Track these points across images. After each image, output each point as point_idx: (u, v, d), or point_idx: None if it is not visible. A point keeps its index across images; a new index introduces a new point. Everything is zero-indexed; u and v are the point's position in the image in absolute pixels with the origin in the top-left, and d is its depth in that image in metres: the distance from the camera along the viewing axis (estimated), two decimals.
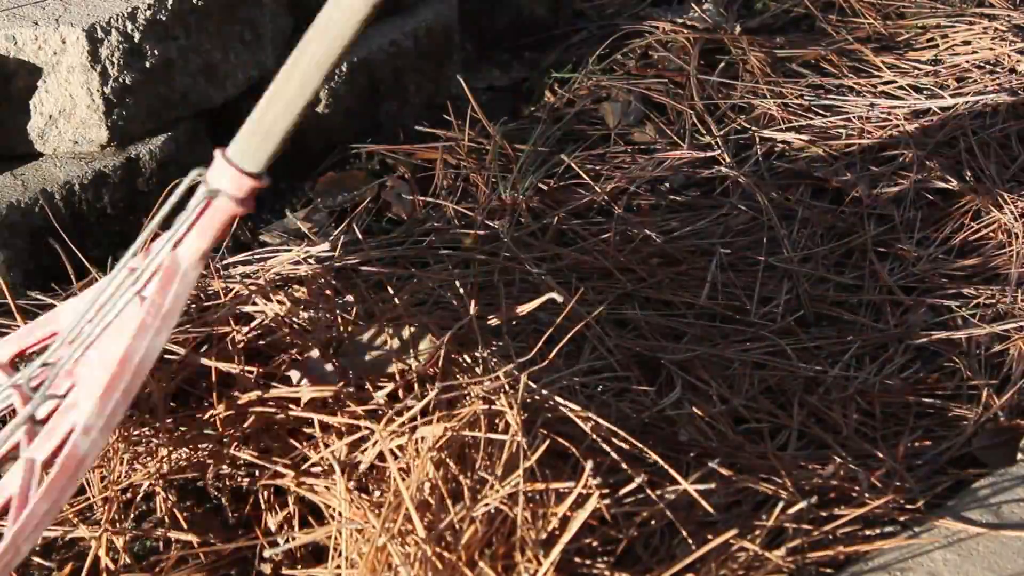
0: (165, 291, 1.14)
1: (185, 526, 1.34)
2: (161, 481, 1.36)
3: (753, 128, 2.13)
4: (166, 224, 1.18)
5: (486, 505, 1.17)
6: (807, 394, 1.54)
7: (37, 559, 1.31)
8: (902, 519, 1.31)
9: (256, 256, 1.65)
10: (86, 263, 1.65)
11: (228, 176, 1.13)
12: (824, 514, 1.29)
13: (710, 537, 1.20)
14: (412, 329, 1.41)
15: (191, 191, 1.16)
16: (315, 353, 1.40)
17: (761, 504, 1.33)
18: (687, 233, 1.86)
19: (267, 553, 1.29)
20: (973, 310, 1.72)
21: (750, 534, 1.24)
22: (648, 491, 1.25)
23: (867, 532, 1.30)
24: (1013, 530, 1.26)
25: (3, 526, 1.14)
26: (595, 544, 1.23)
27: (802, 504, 1.25)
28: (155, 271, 1.16)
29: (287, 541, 1.31)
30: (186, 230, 1.16)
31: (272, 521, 1.35)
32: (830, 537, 1.26)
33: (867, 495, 1.32)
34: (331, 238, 1.71)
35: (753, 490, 1.32)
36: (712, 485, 1.26)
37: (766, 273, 1.78)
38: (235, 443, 1.36)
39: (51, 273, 1.67)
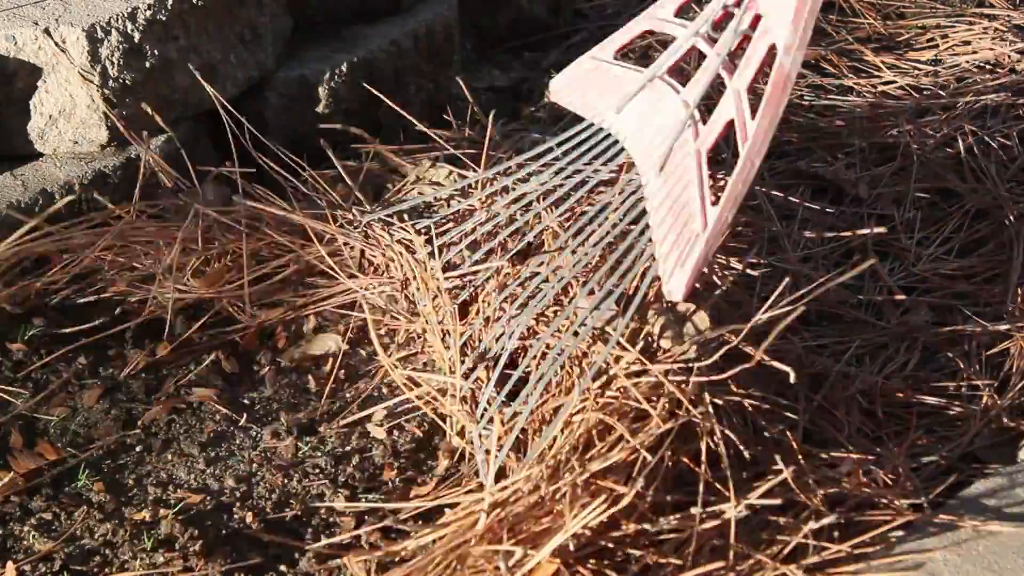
0: None
1: None
2: None
3: None
4: None
5: None
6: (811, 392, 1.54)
7: None
8: (904, 518, 1.31)
9: None
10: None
11: None
12: (843, 521, 1.29)
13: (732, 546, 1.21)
14: None
15: None
16: None
17: (781, 507, 1.31)
18: None
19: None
20: (973, 310, 1.72)
21: (765, 547, 1.24)
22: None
23: (868, 532, 1.30)
24: (1013, 530, 1.26)
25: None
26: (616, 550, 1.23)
27: (829, 519, 1.25)
28: None
29: None
30: None
31: None
32: (847, 551, 1.26)
33: (883, 500, 1.32)
34: None
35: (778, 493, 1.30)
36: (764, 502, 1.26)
37: (765, 272, 1.78)
38: None
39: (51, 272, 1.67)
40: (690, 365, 1.34)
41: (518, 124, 2.12)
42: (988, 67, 2.33)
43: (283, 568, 1.29)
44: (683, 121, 1.36)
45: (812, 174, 2.02)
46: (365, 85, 1.97)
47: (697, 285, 1.39)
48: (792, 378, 1.28)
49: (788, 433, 1.40)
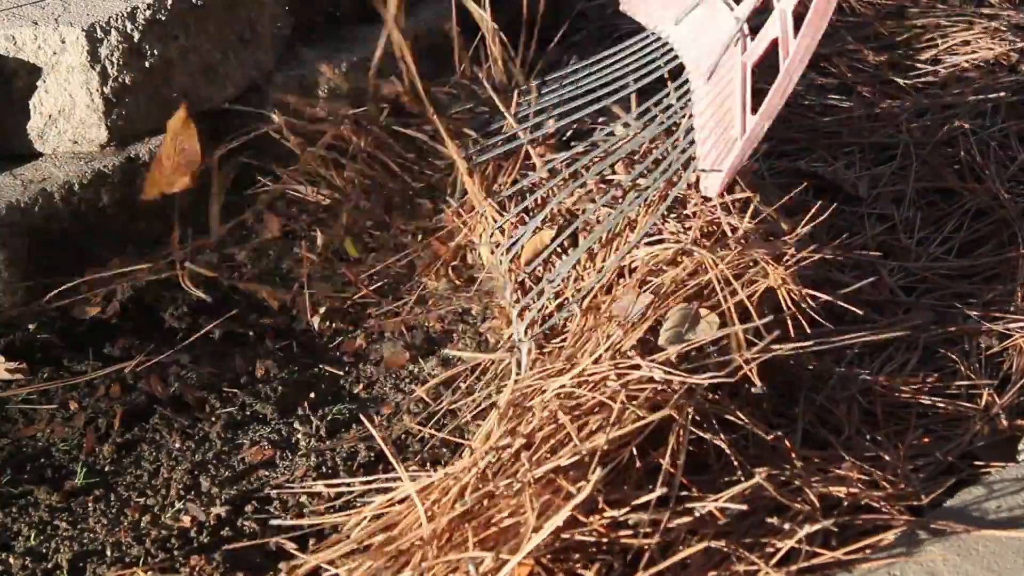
0: None
1: None
2: None
3: None
4: None
5: None
6: (813, 392, 1.54)
7: None
8: (903, 519, 1.31)
9: None
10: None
11: None
12: (835, 527, 1.29)
13: (723, 547, 1.21)
14: None
15: None
16: None
17: (776, 510, 1.31)
18: None
19: None
20: (973, 310, 1.72)
21: (759, 551, 1.24)
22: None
23: (869, 532, 1.30)
24: (1013, 530, 1.26)
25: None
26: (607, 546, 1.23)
27: (823, 524, 1.25)
28: None
29: None
30: None
31: None
32: (840, 557, 1.26)
33: (878, 504, 1.32)
34: None
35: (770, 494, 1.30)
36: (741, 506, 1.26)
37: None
38: None
39: (51, 273, 1.67)
40: (687, 366, 1.34)
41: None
42: (988, 67, 2.33)
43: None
44: (732, 35, 1.49)
45: (812, 174, 2.02)
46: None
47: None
48: (757, 388, 1.29)
49: (786, 438, 1.40)
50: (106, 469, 1.44)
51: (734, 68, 1.49)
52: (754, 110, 1.46)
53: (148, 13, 1.72)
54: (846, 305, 1.51)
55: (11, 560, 1.31)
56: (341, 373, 1.60)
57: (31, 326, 1.63)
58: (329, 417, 1.51)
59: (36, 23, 1.69)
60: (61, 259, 1.68)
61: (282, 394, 1.56)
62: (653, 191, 1.50)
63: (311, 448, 1.46)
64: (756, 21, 1.55)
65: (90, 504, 1.38)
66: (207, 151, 1.87)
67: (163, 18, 1.74)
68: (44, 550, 1.32)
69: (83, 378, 1.56)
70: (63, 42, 1.68)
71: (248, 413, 1.53)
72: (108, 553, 1.31)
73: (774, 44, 1.47)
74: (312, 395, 1.56)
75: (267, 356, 1.62)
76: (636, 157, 1.63)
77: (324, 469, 1.42)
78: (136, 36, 1.71)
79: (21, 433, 1.48)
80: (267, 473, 1.42)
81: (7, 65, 1.71)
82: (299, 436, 1.48)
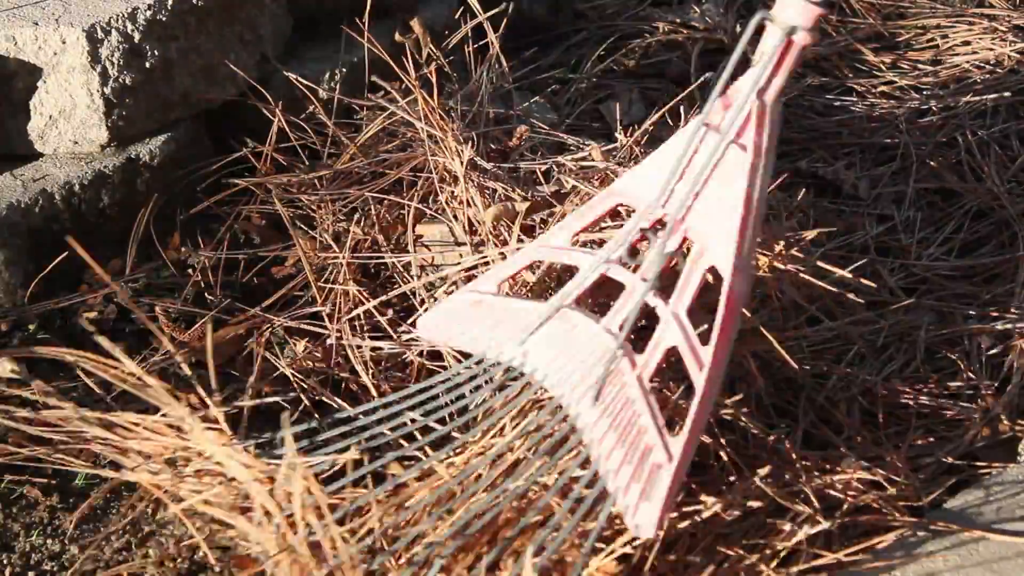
0: (761, 133, 1.28)
1: None
2: None
3: None
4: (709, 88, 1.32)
5: None
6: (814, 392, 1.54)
7: None
8: (904, 520, 1.31)
9: None
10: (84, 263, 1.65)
11: (797, 9, 1.23)
12: (836, 528, 1.29)
13: (725, 551, 1.21)
14: None
15: (760, 36, 1.27)
16: None
17: (777, 511, 1.32)
18: None
19: None
20: (974, 310, 1.72)
21: (759, 552, 1.24)
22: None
23: (869, 533, 1.30)
24: (1013, 531, 1.26)
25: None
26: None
27: (824, 527, 1.25)
28: (746, 119, 1.27)
29: None
30: (769, 74, 1.27)
31: None
32: (841, 559, 1.26)
33: (879, 505, 1.32)
34: None
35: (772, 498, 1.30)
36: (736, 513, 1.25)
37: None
38: None
39: (51, 273, 1.67)
40: None
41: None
42: (988, 67, 2.33)
43: None
44: (613, 350, 1.28)
45: (812, 174, 2.03)
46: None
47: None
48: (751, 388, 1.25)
49: (786, 439, 1.40)
50: (106, 468, 1.44)
51: (628, 387, 1.27)
52: (676, 430, 1.26)
53: (148, 13, 1.72)
54: (846, 299, 1.51)
55: (11, 560, 1.31)
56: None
57: (31, 326, 1.63)
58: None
59: (37, 23, 1.69)
60: (61, 259, 1.68)
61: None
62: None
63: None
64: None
65: (90, 504, 1.38)
66: (207, 152, 1.88)
67: (163, 18, 1.74)
68: (44, 550, 1.32)
69: (83, 378, 1.56)
70: (64, 42, 1.68)
71: (248, 413, 1.53)
72: (109, 554, 1.31)
73: (670, 353, 1.28)
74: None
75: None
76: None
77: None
78: (136, 36, 1.71)
79: (21, 433, 1.48)
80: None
81: (7, 65, 1.71)
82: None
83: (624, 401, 1.27)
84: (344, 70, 1.99)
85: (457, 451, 1.35)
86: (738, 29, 2.39)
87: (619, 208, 1.47)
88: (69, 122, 1.74)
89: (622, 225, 1.43)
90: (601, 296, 1.46)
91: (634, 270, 1.34)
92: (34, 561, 1.31)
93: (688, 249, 1.32)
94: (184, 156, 1.82)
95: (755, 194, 1.27)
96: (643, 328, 1.37)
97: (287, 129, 1.87)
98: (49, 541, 1.34)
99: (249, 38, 1.90)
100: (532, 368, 1.34)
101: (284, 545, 1.16)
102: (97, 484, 1.41)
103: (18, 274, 1.65)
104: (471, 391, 1.38)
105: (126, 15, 1.70)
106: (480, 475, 1.30)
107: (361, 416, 1.34)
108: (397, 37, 1.96)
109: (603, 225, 1.57)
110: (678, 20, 2.41)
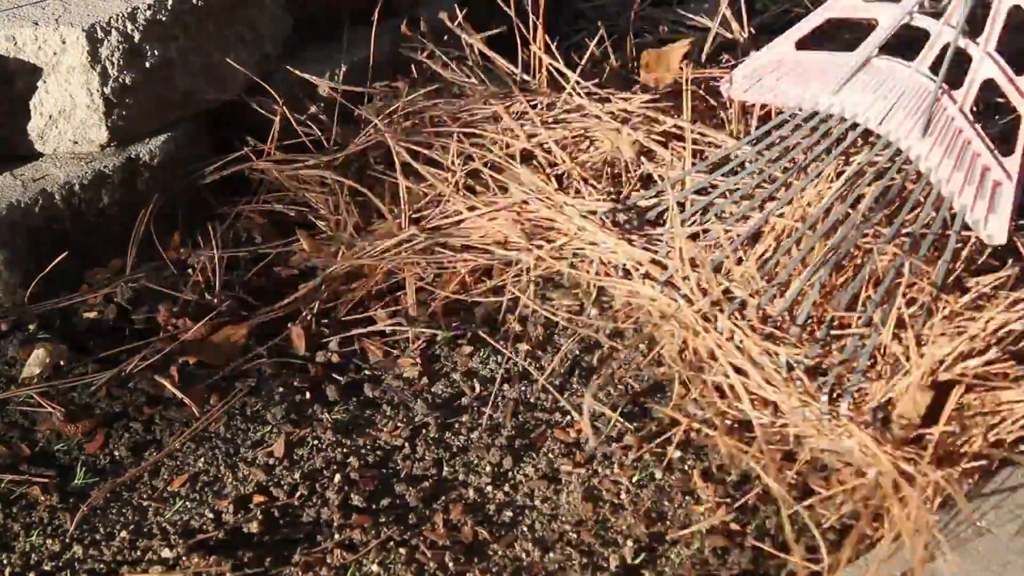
0: None
1: None
2: None
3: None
4: None
5: None
6: None
7: None
8: (906, 519, 1.31)
9: None
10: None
11: None
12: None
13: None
14: None
15: None
16: None
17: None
18: None
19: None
20: None
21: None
22: None
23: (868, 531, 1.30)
24: (1014, 530, 1.26)
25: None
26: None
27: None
28: None
29: None
30: None
31: None
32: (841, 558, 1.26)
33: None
34: None
35: None
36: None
37: None
38: None
39: (51, 273, 1.67)
40: None
41: None
42: None
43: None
44: (934, 88, 1.47)
45: None
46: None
47: None
48: None
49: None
50: (107, 469, 1.44)
51: (952, 118, 1.47)
52: (1008, 151, 1.47)
53: (148, 13, 1.72)
54: None
55: (11, 560, 1.31)
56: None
57: (31, 326, 1.63)
58: (337, 416, 1.52)
59: (37, 23, 1.69)
60: (61, 259, 1.68)
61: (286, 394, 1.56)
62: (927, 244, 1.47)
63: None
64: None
65: (90, 504, 1.38)
66: (206, 152, 1.88)
67: (163, 18, 1.74)
68: (44, 550, 1.32)
69: (83, 379, 1.56)
70: (63, 42, 1.68)
71: (249, 413, 1.52)
72: (109, 553, 1.31)
73: (983, 86, 1.48)
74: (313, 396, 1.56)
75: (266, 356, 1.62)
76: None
77: (332, 467, 1.42)
78: (136, 36, 1.71)
79: (22, 433, 1.48)
80: (269, 473, 1.42)
81: (8, 65, 1.71)
82: (307, 435, 1.48)
83: (954, 131, 1.46)
84: (344, 69, 1.99)
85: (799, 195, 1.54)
86: (745, 31, 2.39)
87: None
88: (69, 122, 1.74)
89: None
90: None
91: (937, 18, 1.53)
92: (34, 561, 1.31)
93: None
94: (184, 156, 1.82)
95: None
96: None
97: (293, 124, 1.87)
98: (49, 541, 1.34)
99: (249, 38, 1.90)
100: (852, 113, 1.52)
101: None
102: (97, 484, 1.41)
103: (18, 274, 1.65)
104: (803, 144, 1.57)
105: (126, 15, 1.70)
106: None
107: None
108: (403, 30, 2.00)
109: None
110: (678, 20, 2.41)
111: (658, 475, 1.37)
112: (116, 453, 1.46)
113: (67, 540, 1.33)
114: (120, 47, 1.70)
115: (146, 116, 1.77)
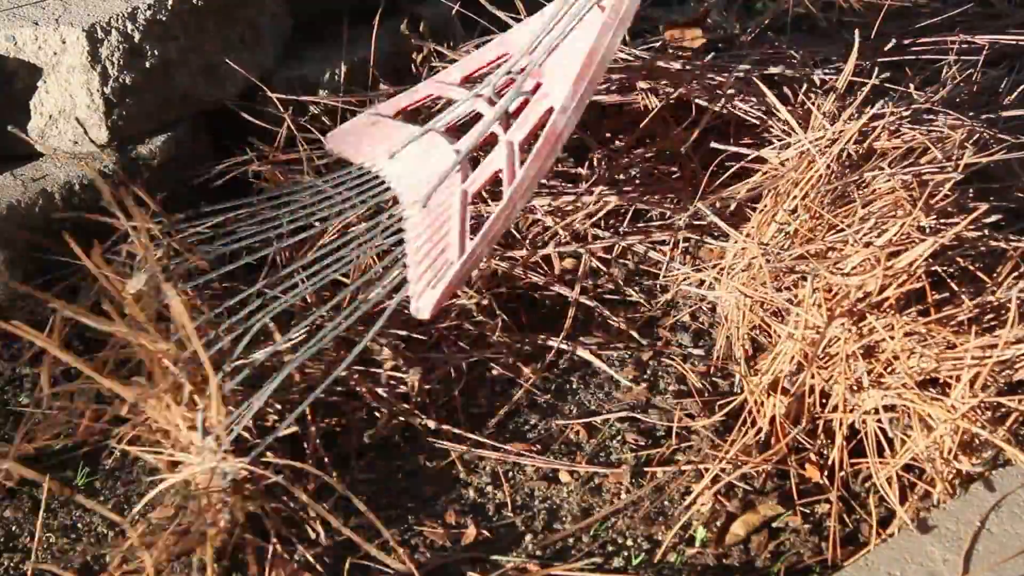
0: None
1: None
2: None
3: None
4: None
5: None
6: None
7: None
8: (905, 518, 1.31)
9: None
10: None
11: None
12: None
13: None
14: None
15: None
16: None
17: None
18: None
19: None
20: None
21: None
22: None
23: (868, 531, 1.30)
24: (1013, 530, 1.26)
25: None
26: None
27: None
28: None
29: None
30: None
31: None
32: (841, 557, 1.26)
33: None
34: None
35: None
36: None
37: None
38: None
39: (51, 273, 1.67)
40: None
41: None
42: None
43: None
44: (452, 165, 1.52)
45: None
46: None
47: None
48: None
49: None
50: (106, 469, 1.44)
51: (453, 195, 1.50)
52: (473, 234, 1.47)
53: (148, 13, 1.72)
54: None
55: (11, 560, 1.31)
56: None
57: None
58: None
59: (36, 23, 1.69)
60: (61, 259, 1.68)
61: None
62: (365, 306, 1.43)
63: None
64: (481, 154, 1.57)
65: (91, 504, 1.38)
66: (207, 152, 1.88)
67: (163, 18, 1.74)
68: (45, 550, 1.32)
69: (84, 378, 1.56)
70: (63, 42, 1.68)
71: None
72: (109, 554, 1.32)
73: (497, 175, 1.51)
74: None
75: None
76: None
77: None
78: (136, 36, 1.71)
79: (22, 433, 1.48)
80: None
81: (7, 65, 1.71)
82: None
83: (446, 208, 1.49)
84: (344, 69, 1.99)
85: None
86: (738, 27, 2.39)
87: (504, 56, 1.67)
88: (69, 122, 1.74)
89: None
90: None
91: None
92: (39, 559, 1.31)
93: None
94: (184, 156, 1.82)
95: (600, 51, 1.48)
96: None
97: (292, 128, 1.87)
98: (51, 536, 1.34)
99: (249, 38, 1.90)
100: (391, 177, 1.60)
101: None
102: (99, 480, 1.41)
103: (18, 274, 1.65)
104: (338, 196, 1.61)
105: (126, 15, 1.71)
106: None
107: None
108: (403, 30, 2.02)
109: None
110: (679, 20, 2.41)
111: None
112: (117, 453, 1.46)
113: (67, 540, 1.33)
114: (120, 47, 1.70)
115: (146, 116, 1.77)
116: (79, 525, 1.36)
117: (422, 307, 1.42)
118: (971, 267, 1.53)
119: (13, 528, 1.35)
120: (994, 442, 1.31)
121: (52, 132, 1.75)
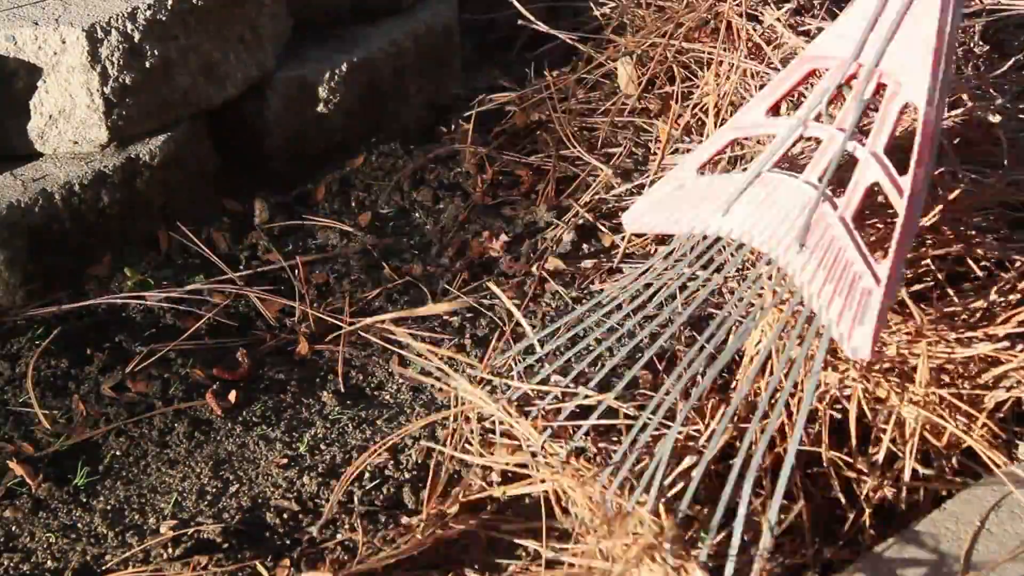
0: None
1: None
2: None
3: None
4: None
5: None
6: None
7: None
8: (906, 518, 1.31)
9: None
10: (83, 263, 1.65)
11: None
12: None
13: None
14: None
15: None
16: None
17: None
18: None
19: None
20: None
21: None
22: None
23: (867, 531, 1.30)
24: (1012, 531, 1.26)
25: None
26: None
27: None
28: None
29: None
30: None
31: None
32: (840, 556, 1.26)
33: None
34: None
35: None
36: None
37: None
38: None
39: (51, 273, 1.67)
40: None
41: None
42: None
43: None
44: (815, 197, 1.37)
45: None
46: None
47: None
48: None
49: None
50: (107, 468, 1.44)
51: (831, 227, 1.37)
52: (881, 256, 1.36)
53: (148, 13, 1.72)
54: None
55: (11, 560, 1.31)
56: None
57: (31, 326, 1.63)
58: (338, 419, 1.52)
59: (36, 23, 1.69)
60: (61, 259, 1.68)
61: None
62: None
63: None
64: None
65: (91, 504, 1.38)
66: (207, 152, 1.88)
67: (163, 18, 1.74)
68: (45, 550, 1.33)
69: (83, 378, 1.56)
70: (63, 42, 1.68)
71: (247, 415, 1.53)
72: (110, 553, 1.32)
73: (870, 190, 1.38)
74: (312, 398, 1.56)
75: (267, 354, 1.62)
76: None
77: (321, 468, 1.42)
78: (136, 36, 1.71)
79: (22, 433, 1.48)
80: (268, 474, 1.42)
81: (7, 65, 1.71)
82: (308, 436, 1.49)
83: (830, 241, 1.36)
84: (344, 69, 1.99)
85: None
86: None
87: (814, 73, 1.52)
88: (69, 122, 1.74)
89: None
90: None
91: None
92: (39, 558, 1.32)
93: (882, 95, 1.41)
94: (184, 156, 1.82)
95: (947, 28, 1.35)
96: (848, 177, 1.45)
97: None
98: (51, 536, 1.34)
99: (249, 38, 1.90)
100: (737, 233, 1.42)
101: None
102: (99, 480, 1.41)
103: (18, 274, 1.65)
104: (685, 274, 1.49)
105: (126, 15, 1.71)
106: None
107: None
108: None
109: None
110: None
111: None
112: (117, 453, 1.46)
113: (68, 540, 1.34)
114: (120, 47, 1.70)
115: (146, 116, 1.77)
116: (79, 525, 1.36)
117: (858, 347, 1.29)
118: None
119: (13, 528, 1.35)
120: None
121: (52, 132, 1.75)
